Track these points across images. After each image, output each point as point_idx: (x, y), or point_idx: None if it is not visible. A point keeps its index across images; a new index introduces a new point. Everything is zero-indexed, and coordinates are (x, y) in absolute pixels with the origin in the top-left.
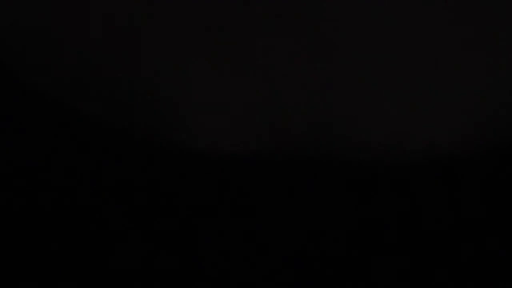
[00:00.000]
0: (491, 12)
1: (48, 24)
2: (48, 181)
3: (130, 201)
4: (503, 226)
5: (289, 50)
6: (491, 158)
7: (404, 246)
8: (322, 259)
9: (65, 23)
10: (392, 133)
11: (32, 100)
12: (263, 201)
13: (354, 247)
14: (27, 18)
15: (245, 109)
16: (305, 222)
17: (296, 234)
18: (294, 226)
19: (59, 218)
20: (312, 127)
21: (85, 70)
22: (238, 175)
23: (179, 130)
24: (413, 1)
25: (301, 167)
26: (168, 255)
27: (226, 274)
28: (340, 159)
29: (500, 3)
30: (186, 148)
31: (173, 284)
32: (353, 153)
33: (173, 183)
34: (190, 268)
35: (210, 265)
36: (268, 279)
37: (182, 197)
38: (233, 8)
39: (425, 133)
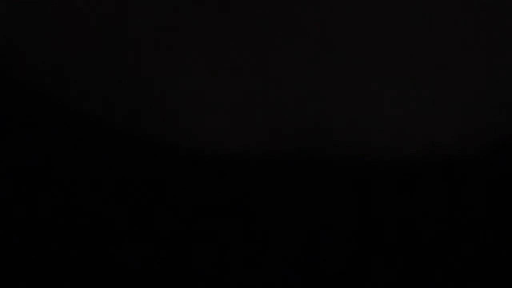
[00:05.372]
0: (491, 12)
1: (48, 24)
2: (48, 181)
3: (130, 201)
4: (504, 226)
5: (288, 50)
6: (491, 158)
7: (404, 246)
8: (322, 259)
9: (64, 23)
10: (392, 133)
11: (32, 100)
12: (262, 201)
13: (354, 247)
14: (27, 18)
15: (245, 109)
16: (305, 222)
17: (296, 234)
18: (294, 226)
19: (59, 218)
20: (311, 127)
21: (85, 70)
22: (238, 175)
23: (179, 130)
24: (413, 2)
25: (301, 167)
26: (168, 255)
27: (226, 275)
28: (340, 159)
29: (500, 3)
30: (186, 148)
31: (173, 284)
32: (353, 153)
33: (173, 183)
34: (190, 268)
35: (210, 265)
36: (268, 279)
37: (182, 197)
38: (233, 8)
39: (425, 133)
